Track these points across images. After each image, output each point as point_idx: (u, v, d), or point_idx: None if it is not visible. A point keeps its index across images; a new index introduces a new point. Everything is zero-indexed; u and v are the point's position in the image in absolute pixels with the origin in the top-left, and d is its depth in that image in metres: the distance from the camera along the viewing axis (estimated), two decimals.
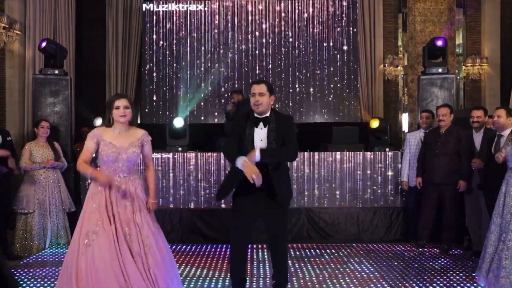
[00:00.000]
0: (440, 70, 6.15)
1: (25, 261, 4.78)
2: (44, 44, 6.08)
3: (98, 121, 6.25)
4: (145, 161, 3.34)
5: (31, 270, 4.41)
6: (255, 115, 3.34)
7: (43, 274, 4.28)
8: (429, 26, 9.17)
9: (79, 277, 2.88)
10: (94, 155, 3.24)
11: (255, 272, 4.36)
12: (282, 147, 3.29)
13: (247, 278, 3.98)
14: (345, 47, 9.09)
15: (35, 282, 4.01)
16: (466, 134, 5.04)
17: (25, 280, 4.08)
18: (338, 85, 9.09)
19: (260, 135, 3.30)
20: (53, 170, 5.36)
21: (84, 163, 3.13)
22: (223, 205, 5.77)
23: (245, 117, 3.37)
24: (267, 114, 3.33)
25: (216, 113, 9.08)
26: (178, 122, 6.03)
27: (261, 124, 3.32)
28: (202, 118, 9.11)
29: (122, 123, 3.20)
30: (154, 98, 9.09)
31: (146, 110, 9.12)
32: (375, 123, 6.14)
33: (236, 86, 9.00)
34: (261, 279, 4.13)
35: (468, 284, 3.94)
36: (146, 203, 3.21)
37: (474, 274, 4.13)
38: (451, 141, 5.04)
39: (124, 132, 3.23)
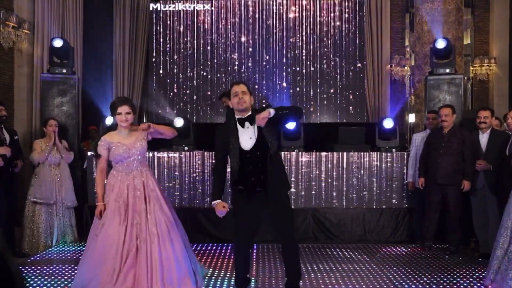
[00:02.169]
0: (447, 70, 6.11)
1: (32, 258, 4.82)
2: (60, 43, 6.07)
3: (109, 121, 6.27)
4: (166, 129, 3.72)
5: (38, 267, 4.44)
6: (237, 117, 3.34)
7: (50, 271, 4.31)
8: (437, 26, 9.12)
9: (94, 253, 3.33)
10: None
11: (260, 272, 4.36)
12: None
13: (252, 278, 4.00)
14: (352, 47, 9.06)
15: (42, 280, 4.04)
16: (469, 134, 5.05)
17: (33, 277, 4.11)
18: (345, 85, 9.06)
19: (249, 133, 3.29)
20: (59, 168, 5.38)
21: (102, 175, 3.51)
22: (229, 205, 5.77)
23: (226, 128, 3.39)
24: (250, 113, 3.32)
25: (222, 113, 9.09)
26: (178, 122, 6.05)
27: (246, 123, 3.31)
28: (208, 117, 9.12)
29: (123, 127, 3.53)
30: (161, 98, 9.12)
31: (153, 108, 9.15)
32: (388, 123, 6.07)
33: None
34: (266, 279, 4.14)
35: (475, 287, 3.92)
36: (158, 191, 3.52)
37: (481, 276, 4.11)
38: (454, 141, 5.03)
39: (129, 133, 3.57)
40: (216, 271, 4.38)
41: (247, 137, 3.29)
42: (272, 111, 3.25)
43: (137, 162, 3.48)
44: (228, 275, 4.23)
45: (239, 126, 3.32)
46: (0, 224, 4.49)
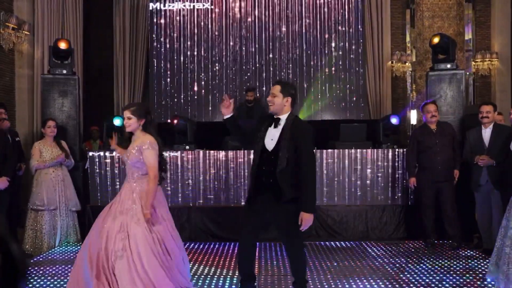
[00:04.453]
0: (448, 66, 6.07)
1: (35, 259, 4.83)
2: (65, 45, 6.06)
3: (117, 121, 6.27)
4: (150, 172, 3.32)
5: (41, 268, 4.45)
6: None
7: (53, 272, 4.33)
8: (438, 21, 9.09)
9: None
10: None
11: (263, 270, 4.36)
12: (299, 169, 3.26)
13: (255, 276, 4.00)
14: (352, 44, 9.03)
15: (45, 280, 4.05)
16: (452, 126, 5.31)
17: (36, 278, 4.12)
18: (346, 82, 9.03)
19: (271, 134, 3.33)
20: (61, 169, 5.39)
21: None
22: (231, 204, 5.78)
23: (267, 118, 3.44)
24: (281, 116, 3.34)
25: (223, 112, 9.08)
26: (174, 121, 6.08)
27: (274, 124, 3.35)
28: (210, 116, 9.12)
29: (131, 131, 3.43)
30: (162, 97, 9.12)
31: (154, 108, 9.15)
32: (395, 120, 6.04)
33: (242, 84, 8.99)
34: (268, 277, 4.13)
35: (478, 282, 3.90)
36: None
37: (484, 273, 4.09)
38: (446, 136, 5.09)
39: (135, 139, 3.43)
40: (218, 270, 4.38)
41: (270, 137, 3.33)
42: (311, 220, 3.23)
43: (130, 173, 3.38)
44: (230, 274, 4.22)
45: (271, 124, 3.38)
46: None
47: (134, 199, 3.28)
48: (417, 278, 4.05)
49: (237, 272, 4.10)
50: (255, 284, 3.55)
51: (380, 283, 3.93)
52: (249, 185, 3.50)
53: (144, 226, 3.22)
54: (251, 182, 3.40)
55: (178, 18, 9.14)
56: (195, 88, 9.13)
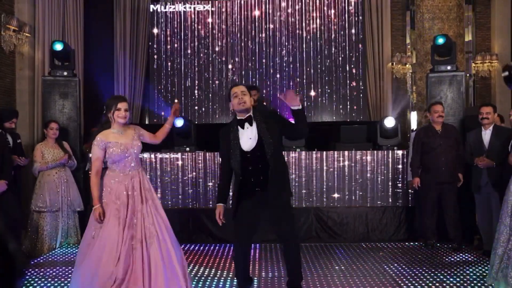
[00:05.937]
0: (448, 67, 6.08)
1: (35, 260, 4.83)
2: (60, 47, 6.06)
3: None
4: (152, 136, 3.62)
5: (42, 269, 4.45)
6: (237, 118, 3.37)
7: (54, 273, 4.33)
8: (438, 23, 9.08)
9: (91, 255, 3.26)
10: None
11: (263, 272, 4.36)
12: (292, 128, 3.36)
13: (255, 278, 4.00)
14: (353, 45, 9.04)
15: (45, 282, 4.05)
16: (457, 129, 5.32)
17: (36, 280, 4.12)
18: (346, 84, 9.04)
19: (248, 134, 3.30)
20: (64, 170, 5.41)
21: (98, 176, 3.39)
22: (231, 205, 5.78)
23: (228, 128, 3.41)
24: (250, 113, 3.35)
25: (224, 113, 9.10)
26: (178, 122, 6.05)
27: (246, 124, 3.33)
28: (210, 118, 9.13)
29: (120, 124, 3.45)
30: (162, 98, 9.13)
31: (155, 110, 9.16)
32: (389, 122, 6.05)
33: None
34: (269, 279, 4.13)
35: (479, 284, 3.90)
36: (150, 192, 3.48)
37: (485, 274, 4.09)
38: (451, 137, 5.10)
39: (123, 131, 3.48)
40: (219, 272, 4.38)
41: (247, 138, 3.31)
42: (300, 106, 3.21)
43: (134, 162, 3.42)
44: (230, 275, 4.22)
45: (239, 127, 3.34)
46: (15, 229, 4.50)
47: (148, 187, 3.43)
48: (418, 279, 4.05)
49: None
50: (253, 286, 3.56)
51: (381, 284, 3.93)
52: (235, 195, 3.42)
53: (162, 210, 3.44)
54: (236, 192, 3.38)
55: (178, 19, 9.16)
56: (196, 89, 9.14)
